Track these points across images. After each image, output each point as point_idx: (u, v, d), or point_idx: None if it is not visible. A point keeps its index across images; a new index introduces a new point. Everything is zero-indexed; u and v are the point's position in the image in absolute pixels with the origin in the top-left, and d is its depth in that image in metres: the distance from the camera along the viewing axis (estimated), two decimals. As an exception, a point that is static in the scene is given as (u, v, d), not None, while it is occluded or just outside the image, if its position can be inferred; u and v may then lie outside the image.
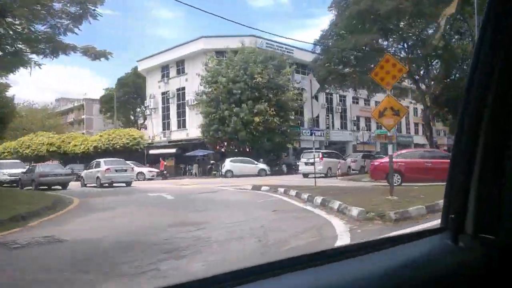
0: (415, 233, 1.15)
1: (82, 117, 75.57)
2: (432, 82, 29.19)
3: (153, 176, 28.62)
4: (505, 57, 0.96)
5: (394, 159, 17.60)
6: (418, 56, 25.03)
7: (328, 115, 46.12)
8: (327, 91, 40.17)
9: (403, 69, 8.90)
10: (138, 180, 28.11)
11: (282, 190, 13.86)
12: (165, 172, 30.00)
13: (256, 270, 0.90)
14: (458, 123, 1.07)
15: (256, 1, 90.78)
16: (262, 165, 29.48)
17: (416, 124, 61.30)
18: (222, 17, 77.21)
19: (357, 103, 51.54)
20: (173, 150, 33.28)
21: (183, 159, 33.58)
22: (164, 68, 44.88)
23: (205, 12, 64.78)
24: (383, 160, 17.31)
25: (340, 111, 48.95)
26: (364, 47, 24.13)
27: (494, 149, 1.00)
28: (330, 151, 29.16)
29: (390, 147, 9.98)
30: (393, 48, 26.51)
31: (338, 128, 48.33)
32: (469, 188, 1.03)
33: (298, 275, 0.91)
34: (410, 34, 24.35)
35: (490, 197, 1.01)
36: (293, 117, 33.73)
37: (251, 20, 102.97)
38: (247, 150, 33.41)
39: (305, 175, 24.85)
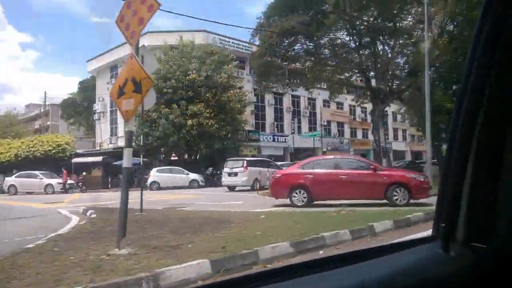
0: (406, 242, 1.16)
1: (48, 123, 71.60)
2: (392, 80, 25.37)
3: (62, 189, 24.45)
4: (500, 63, 0.95)
5: (299, 170, 13.73)
6: (366, 43, 21.20)
7: (293, 119, 42.10)
8: (292, 92, 36.38)
9: (155, 4, 4.83)
10: (47, 193, 24.06)
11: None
12: (79, 184, 25.82)
13: (253, 277, 0.92)
14: (450, 130, 1.07)
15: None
16: (194, 176, 25.33)
17: (395, 130, 57.38)
18: (171, 12, 73.03)
19: (328, 106, 47.58)
20: (100, 159, 29.10)
21: (116, 169, 29.42)
22: (113, 68, 40.98)
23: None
24: (287, 171, 13.21)
25: (308, 115, 44.91)
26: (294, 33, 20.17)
27: (486, 157, 1.00)
28: (260, 158, 24.97)
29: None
30: (341, 38, 22.71)
31: (305, 133, 44.26)
32: (460, 196, 1.02)
33: (289, 285, 0.92)
34: (358, 21, 20.60)
35: (482, 205, 1.01)
36: (239, 120, 29.52)
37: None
38: (187, 158, 29.33)
39: (230, 188, 20.58)
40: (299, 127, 44.06)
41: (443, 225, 1.06)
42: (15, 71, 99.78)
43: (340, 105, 48.90)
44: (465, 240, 1.02)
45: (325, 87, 32.39)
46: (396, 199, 11.28)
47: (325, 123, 46.38)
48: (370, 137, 54.60)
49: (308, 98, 44.21)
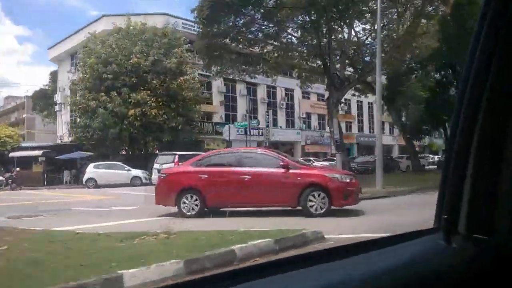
0: (408, 234, 1.16)
1: (24, 116, 68.75)
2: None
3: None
4: (501, 56, 0.96)
5: (191, 168, 10.89)
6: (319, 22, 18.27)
7: (268, 111, 39.14)
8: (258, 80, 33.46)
9: None
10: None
11: None
12: (9, 180, 23.04)
13: (250, 271, 0.92)
14: (451, 122, 1.08)
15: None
16: (137, 172, 22.52)
17: (382, 123, 54.42)
18: None
19: (308, 98, 44.63)
20: (40, 152, 26.25)
21: (59, 164, 26.64)
22: (74, 56, 38.07)
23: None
24: (177, 169, 10.36)
25: (284, 106, 41.96)
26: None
27: (488, 148, 1.00)
28: (195, 152, 22.18)
29: None
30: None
31: (281, 127, 41.39)
32: (462, 188, 1.03)
33: (291, 276, 0.91)
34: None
35: (484, 197, 1.01)
36: (194, 111, 26.60)
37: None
38: (138, 152, 26.49)
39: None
40: (275, 120, 41.18)
41: (445, 216, 1.07)
42: (12, 64, 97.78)
43: (321, 96, 45.83)
44: (467, 231, 1.03)
45: (295, 76, 29.50)
46: (311, 207, 8.50)
47: (304, 115, 43.48)
48: (355, 129, 51.96)
49: (286, 89, 41.35)
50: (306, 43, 21.63)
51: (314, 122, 45.64)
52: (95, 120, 22.97)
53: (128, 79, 23.37)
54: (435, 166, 34.41)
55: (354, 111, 50.54)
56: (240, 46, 22.15)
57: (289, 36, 23.21)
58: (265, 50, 24.02)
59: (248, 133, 28.74)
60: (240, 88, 37.75)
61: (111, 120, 22.67)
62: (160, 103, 23.63)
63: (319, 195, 8.50)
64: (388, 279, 0.94)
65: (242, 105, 38.02)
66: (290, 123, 42.93)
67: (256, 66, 24.02)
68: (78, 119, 26.00)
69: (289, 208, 8.84)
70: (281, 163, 8.91)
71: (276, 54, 23.47)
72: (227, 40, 20.85)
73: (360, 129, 50.85)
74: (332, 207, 8.52)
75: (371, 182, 14.19)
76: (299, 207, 8.64)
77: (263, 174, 8.93)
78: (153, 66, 23.74)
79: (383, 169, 15.09)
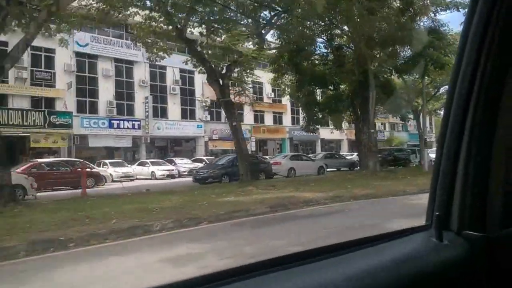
0: (400, 231, 1.16)
1: None
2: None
3: None
4: (490, 52, 0.97)
5: None
6: None
7: (147, 98, 29.84)
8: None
9: None
10: None
11: None
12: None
13: (244, 269, 0.91)
14: (442, 119, 1.09)
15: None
16: None
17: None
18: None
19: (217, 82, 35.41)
20: None
21: None
22: None
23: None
24: None
25: (178, 92, 32.58)
26: None
27: (478, 145, 1.01)
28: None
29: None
30: None
31: (174, 119, 32.05)
32: (454, 185, 1.04)
33: (284, 274, 0.91)
34: None
35: (475, 194, 1.02)
36: None
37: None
38: None
39: None
40: (164, 109, 31.89)
41: (437, 213, 1.06)
42: None
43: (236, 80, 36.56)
44: (459, 228, 1.04)
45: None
46: None
47: (208, 104, 34.16)
48: (286, 122, 42.74)
49: (181, 70, 31.96)
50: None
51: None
52: None
53: None
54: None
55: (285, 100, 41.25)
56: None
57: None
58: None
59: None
60: (104, 67, 28.48)
61: None
62: None
63: None
64: (381, 276, 0.94)
65: (107, 90, 28.74)
66: (188, 114, 33.62)
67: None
68: None
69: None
70: None
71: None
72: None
73: (295, 121, 41.46)
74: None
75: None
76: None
77: None
78: None
79: None
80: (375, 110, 19.19)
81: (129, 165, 26.26)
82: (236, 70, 16.89)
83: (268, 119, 39.41)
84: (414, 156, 29.29)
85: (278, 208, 9.02)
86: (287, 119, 41.43)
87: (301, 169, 20.93)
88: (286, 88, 24.20)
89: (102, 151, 28.92)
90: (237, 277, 0.87)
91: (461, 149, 1.02)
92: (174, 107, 32.48)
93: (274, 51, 22.02)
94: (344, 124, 47.25)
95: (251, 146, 37.40)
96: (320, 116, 22.37)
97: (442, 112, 48.19)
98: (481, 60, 0.98)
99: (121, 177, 24.51)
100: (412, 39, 17.30)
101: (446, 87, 41.22)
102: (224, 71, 16.66)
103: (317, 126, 22.93)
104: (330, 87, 21.86)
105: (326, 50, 22.96)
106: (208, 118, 34.39)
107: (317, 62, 22.53)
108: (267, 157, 27.43)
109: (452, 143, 1.04)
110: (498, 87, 0.99)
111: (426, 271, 0.98)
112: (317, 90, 23.93)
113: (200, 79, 33.83)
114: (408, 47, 18.75)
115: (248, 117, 38.10)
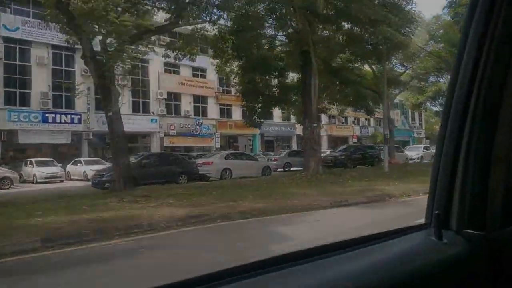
0: (400, 230, 1.16)
1: None
2: None
3: None
4: (490, 50, 0.97)
5: None
6: None
7: (88, 90, 26.80)
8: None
9: None
10: None
11: None
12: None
13: (244, 269, 0.90)
14: (442, 117, 1.09)
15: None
16: None
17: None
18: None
19: (175, 72, 32.27)
20: None
21: None
22: None
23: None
24: None
25: (127, 82, 29.42)
26: None
27: (478, 144, 1.01)
28: None
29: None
30: None
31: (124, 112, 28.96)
32: (453, 184, 1.05)
33: (284, 274, 0.91)
34: None
35: (475, 193, 1.03)
36: None
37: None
38: None
39: None
40: (106, 100, 28.77)
41: (436, 212, 1.07)
42: None
43: (199, 71, 33.43)
44: (458, 227, 1.04)
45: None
46: None
47: (164, 96, 31.05)
48: (276, 118, 39.39)
49: (136, 59, 28.74)
50: None
51: (187, 106, 33.16)
52: None
53: None
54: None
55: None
56: None
57: None
58: None
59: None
60: (38, 53, 25.42)
61: None
62: None
63: None
64: (380, 274, 0.93)
65: (41, 80, 25.70)
66: (141, 107, 30.52)
67: None
68: None
69: None
70: None
71: None
72: None
73: (268, 116, 38.12)
74: None
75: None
76: None
77: None
78: None
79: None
80: (317, 100, 16.00)
81: (58, 165, 23.25)
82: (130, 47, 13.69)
83: (236, 114, 36.06)
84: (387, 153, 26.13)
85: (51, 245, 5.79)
86: (276, 114, 38.12)
87: (240, 170, 17.79)
88: (234, 77, 21.09)
89: (46, 148, 26.10)
90: (236, 277, 0.85)
91: (460, 147, 1.02)
92: (123, 99, 29.31)
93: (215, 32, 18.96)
94: (324, 118, 44.44)
95: (215, 143, 34.39)
96: (260, 108, 19.14)
97: (429, 106, 45.18)
98: (482, 59, 0.97)
99: (46, 178, 21.61)
100: (361, 13, 14.08)
101: (432, 78, 38.23)
102: (100, 48, 13.47)
103: (261, 120, 19.71)
104: (274, 73, 18.64)
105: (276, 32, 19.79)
106: (165, 111, 31.29)
107: (266, 46, 19.36)
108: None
109: (451, 142, 1.04)
110: (499, 86, 0.99)
111: (426, 270, 0.98)
112: (269, 79, 20.72)
113: (156, 69, 30.89)
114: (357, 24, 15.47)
115: (213, 110, 35.03)
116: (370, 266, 0.95)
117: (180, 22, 14.62)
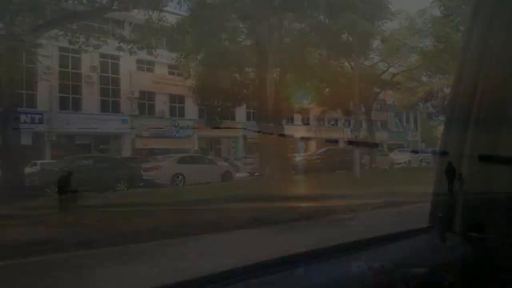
0: (403, 233, 1.14)
1: None
2: None
3: None
4: (492, 52, 0.95)
5: None
6: None
7: (52, 88, 25.03)
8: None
9: None
10: None
11: None
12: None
13: (247, 270, 0.90)
14: (444, 122, 1.09)
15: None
16: None
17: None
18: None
19: (150, 69, 30.54)
20: None
21: None
22: None
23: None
24: None
25: (96, 80, 27.60)
26: None
27: (481, 148, 0.99)
28: None
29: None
30: None
31: (86, 112, 27.10)
32: (456, 187, 1.03)
33: (290, 274, 0.91)
34: None
35: (477, 196, 1.01)
36: None
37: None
38: None
39: None
40: (77, 100, 27.11)
41: (440, 215, 1.05)
42: None
43: (174, 69, 31.66)
44: (461, 230, 1.03)
45: None
46: None
47: (136, 95, 29.30)
48: (240, 118, 37.66)
49: (102, 55, 27.03)
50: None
51: (163, 105, 31.38)
52: None
53: None
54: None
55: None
56: None
57: None
58: None
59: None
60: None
61: None
62: None
63: None
64: (384, 276, 0.92)
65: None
66: (111, 106, 28.76)
67: None
68: None
69: None
70: None
71: None
72: None
73: (251, 116, 36.41)
74: None
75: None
76: None
77: None
78: None
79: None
80: (274, 97, 14.17)
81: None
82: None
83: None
84: (368, 157, 24.33)
85: None
86: (241, 114, 36.33)
87: (195, 176, 15.96)
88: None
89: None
90: (239, 277, 0.84)
91: (464, 150, 1.00)
92: (90, 98, 27.63)
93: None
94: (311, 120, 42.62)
95: (194, 145, 32.59)
96: (220, 107, 17.35)
97: (422, 107, 43.18)
98: (484, 62, 0.94)
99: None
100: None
101: (425, 77, 36.29)
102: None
103: (220, 120, 17.93)
104: (236, 69, 16.86)
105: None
106: (137, 112, 29.53)
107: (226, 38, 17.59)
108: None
109: (454, 145, 1.02)
110: (501, 89, 0.96)
111: (429, 272, 0.96)
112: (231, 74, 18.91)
113: (127, 66, 29.15)
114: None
115: (191, 111, 33.22)
116: (375, 268, 0.94)
117: (114, 6, 12.83)
